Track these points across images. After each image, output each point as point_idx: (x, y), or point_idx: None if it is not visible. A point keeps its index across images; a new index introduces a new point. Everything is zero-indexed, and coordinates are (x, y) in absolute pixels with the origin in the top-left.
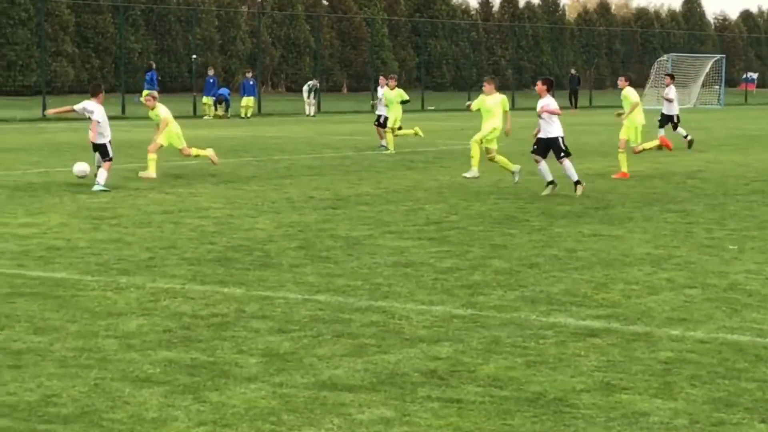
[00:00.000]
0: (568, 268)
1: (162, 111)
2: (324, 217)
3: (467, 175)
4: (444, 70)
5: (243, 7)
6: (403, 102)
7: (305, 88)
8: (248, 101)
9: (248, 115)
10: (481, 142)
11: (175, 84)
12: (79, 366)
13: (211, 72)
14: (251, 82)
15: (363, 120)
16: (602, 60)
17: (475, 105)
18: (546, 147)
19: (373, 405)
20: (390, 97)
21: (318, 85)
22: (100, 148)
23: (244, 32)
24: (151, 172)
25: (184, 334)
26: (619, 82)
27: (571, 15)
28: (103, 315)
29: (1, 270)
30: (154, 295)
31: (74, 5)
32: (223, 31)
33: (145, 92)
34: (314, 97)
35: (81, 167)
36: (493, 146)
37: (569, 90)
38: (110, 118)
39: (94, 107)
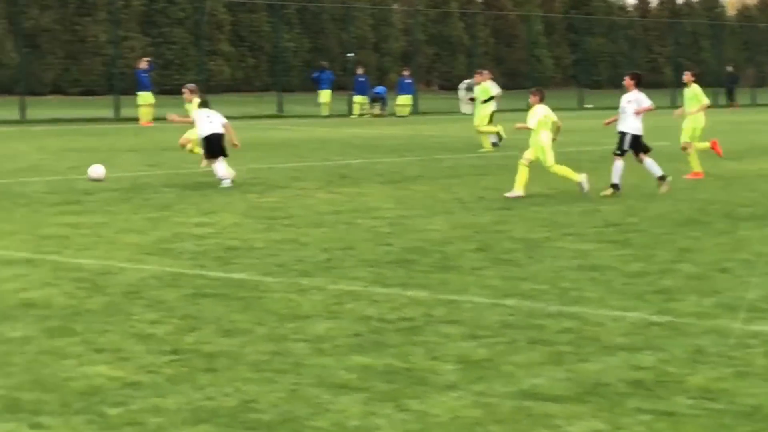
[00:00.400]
0: (763, 273)
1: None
2: (498, 218)
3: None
4: (600, 68)
5: (396, 5)
6: (486, 100)
7: (461, 86)
8: (405, 99)
9: (405, 113)
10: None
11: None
12: (274, 371)
13: (360, 71)
14: (407, 81)
15: (522, 118)
16: (764, 57)
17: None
18: (636, 143)
19: (582, 417)
20: (477, 93)
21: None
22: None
23: (397, 30)
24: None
25: (374, 339)
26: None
27: (730, 11)
28: (290, 318)
29: (183, 270)
30: (337, 298)
31: (230, 4)
32: (376, 29)
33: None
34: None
35: (96, 171)
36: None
37: (726, 87)
38: (266, 116)
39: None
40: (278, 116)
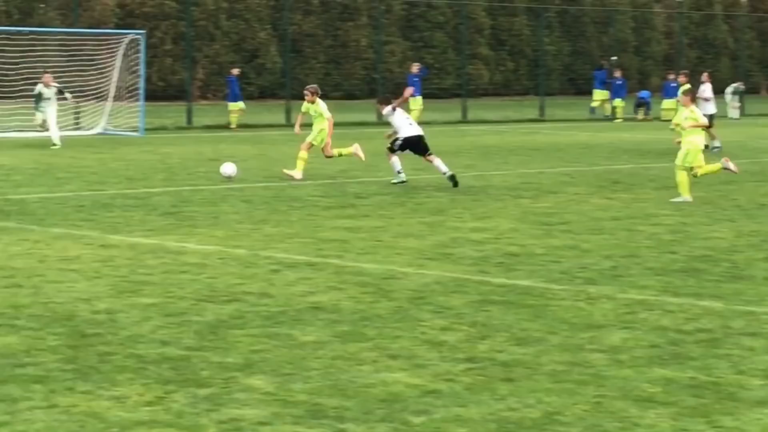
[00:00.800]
0: None
1: (323, 107)
2: None
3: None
4: None
5: (658, 7)
6: None
7: (728, 90)
8: (670, 104)
9: (671, 117)
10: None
11: (589, 85)
12: (574, 382)
13: (617, 74)
14: (673, 85)
15: None
16: None
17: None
18: None
19: None
20: None
21: (743, 87)
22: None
23: (659, 33)
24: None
25: (673, 351)
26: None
27: None
28: (582, 327)
29: (466, 276)
30: (629, 307)
31: (489, 8)
32: (637, 32)
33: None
34: (738, 100)
35: (227, 169)
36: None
37: None
38: (527, 120)
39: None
40: (539, 120)
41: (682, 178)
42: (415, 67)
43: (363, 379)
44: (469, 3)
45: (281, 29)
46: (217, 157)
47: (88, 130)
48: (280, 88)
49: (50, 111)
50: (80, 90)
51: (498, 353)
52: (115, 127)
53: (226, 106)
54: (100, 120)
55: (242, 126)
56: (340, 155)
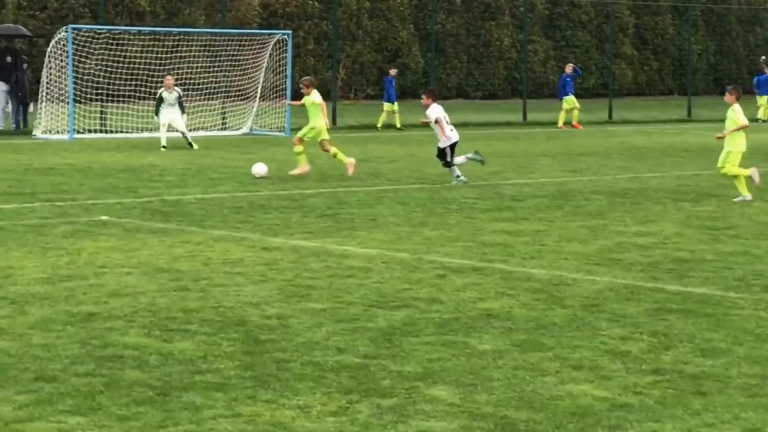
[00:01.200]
0: None
1: (317, 97)
2: None
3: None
4: None
5: None
6: None
7: None
8: None
9: None
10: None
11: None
12: None
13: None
14: None
15: None
16: None
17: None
18: None
19: None
20: None
21: None
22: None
23: None
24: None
25: None
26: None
27: None
28: (767, 338)
29: (638, 283)
30: None
31: (634, 6)
32: None
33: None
34: None
35: (259, 168)
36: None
37: None
38: (673, 121)
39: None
40: (686, 120)
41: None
42: (570, 68)
43: (549, 390)
44: (614, 1)
45: (424, 29)
46: (366, 157)
47: (235, 130)
48: (422, 88)
49: (172, 115)
50: (225, 90)
51: (684, 365)
52: (261, 127)
53: (379, 105)
54: (245, 120)
55: (386, 127)
56: (335, 156)
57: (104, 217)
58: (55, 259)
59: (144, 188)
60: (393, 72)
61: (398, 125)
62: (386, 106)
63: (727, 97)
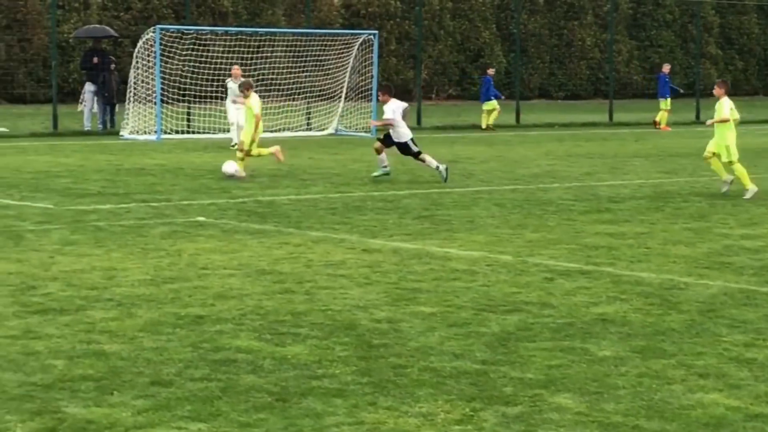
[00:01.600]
0: None
1: (254, 102)
2: None
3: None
4: None
5: None
6: None
7: None
8: None
9: None
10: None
11: None
12: None
13: None
14: None
15: None
16: None
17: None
18: None
19: None
20: None
21: None
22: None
23: None
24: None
25: None
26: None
27: None
28: None
29: (752, 287)
30: None
31: (718, 5)
32: None
33: None
34: None
35: (228, 167)
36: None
37: None
38: (760, 121)
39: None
40: None
41: (740, 171)
42: (666, 68)
43: (678, 399)
44: (699, 0)
45: (506, 29)
46: (456, 158)
47: (320, 131)
48: (504, 89)
49: (241, 114)
50: (309, 91)
51: None
52: (346, 127)
53: (461, 106)
54: (330, 121)
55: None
56: (260, 155)
57: (200, 218)
58: (157, 261)
59: (236, 189)
60: (491, 71)
61: (484, 125)
62: (487, 105)
63: (716, 91)
